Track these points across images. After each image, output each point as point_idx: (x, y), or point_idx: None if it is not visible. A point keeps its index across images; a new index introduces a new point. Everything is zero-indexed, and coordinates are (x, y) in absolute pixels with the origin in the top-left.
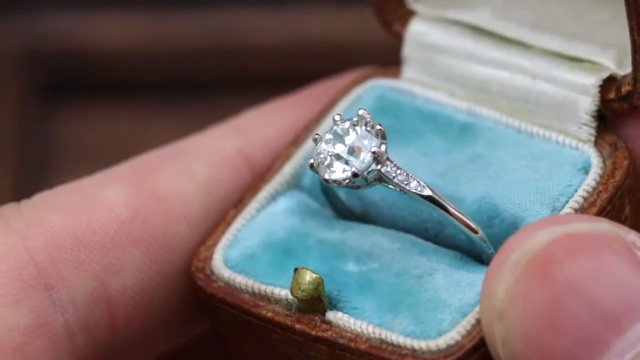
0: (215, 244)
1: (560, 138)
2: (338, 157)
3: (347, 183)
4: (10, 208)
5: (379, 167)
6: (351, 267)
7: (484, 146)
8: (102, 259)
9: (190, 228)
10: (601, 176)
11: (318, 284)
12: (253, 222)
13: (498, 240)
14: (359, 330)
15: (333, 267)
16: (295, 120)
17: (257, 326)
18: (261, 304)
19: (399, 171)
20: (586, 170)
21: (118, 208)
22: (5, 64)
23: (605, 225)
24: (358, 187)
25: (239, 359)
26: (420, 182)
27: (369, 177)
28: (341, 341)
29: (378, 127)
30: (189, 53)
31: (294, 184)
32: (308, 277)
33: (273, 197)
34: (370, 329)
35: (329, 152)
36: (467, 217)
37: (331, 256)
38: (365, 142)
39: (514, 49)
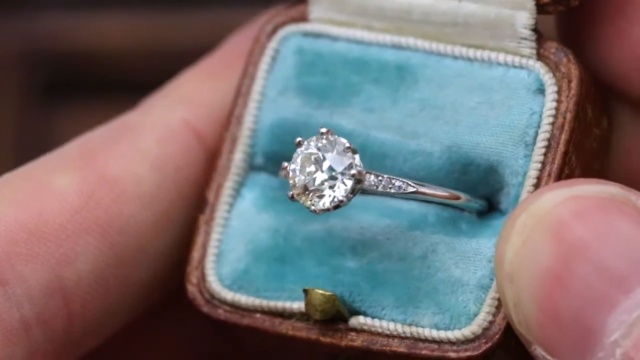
0: (201, 263)
1: (501, 58)
2: (316, 184)
3: (333, 209)
4: None
5: (360, 185)
6: (351, 262)
7: (427, 88)
8: (56, 250)
9: (143, 208)
10: (558, 93)
11: (333, 301)
12: (229, 227)
13: (477, 184)
14: (388, 331)
15: (333, 266)
16: (231, 81)
17: (277, 338)
18: (277, 321)
19: (379, 178)
20: (540, 90)
21: (70, 196)
22: (5, 64)
23: (614, 189)
24: (340, 206)
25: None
26: (403, 180)
27: (353, 197)
28: (374, 347)
29: (345, 143)
30: (188, 53)
31: (248, 167)
32: (321, 297)
33: (237, 192)
34: (400, 328)
35: (306, 181)
36: (446, 191)
37: (325, 254)
38: (341, 165)
39: None
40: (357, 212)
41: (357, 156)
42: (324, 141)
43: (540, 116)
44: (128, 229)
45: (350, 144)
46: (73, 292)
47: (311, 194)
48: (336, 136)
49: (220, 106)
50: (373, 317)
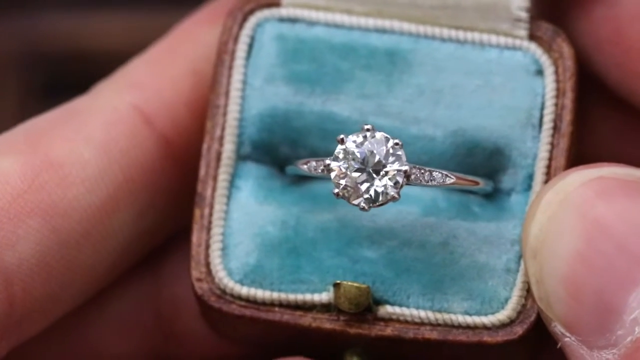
0: (206, 258)
1: (494, 39)
2: (364, 181)
3: (383, 204)
4: None
5: (409, 180)
6: (369, 251)
7: (422, 72)
8: None
9: (88, 192)
10: (556, 73)
11: (367, 293)
12: (230, 220)
13: (484, 166)
14: (418, 319)
15: (351, 257)
16: (184, 66)
17: (293, 330)
18: (297, 314)
19: (422, 172)
20: (539, 70)
21: (12, 179)
22: (5, 64)
23: (639, 172)
24: (392, 201)
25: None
26: (441, 172)
27: (401, 190)
28: (406, 336)
29: (394, 139)
30: None
31: (237, 157)
32: (356, 290)
33: (231, 184)
34: (430, 315)
35: (353, 178)
36: (475, 178)
37: (342, 245)
38: (390, 161)
39: None
40: None
41: (403, 151)
42: (369, 137)
43: (543, 97)
44: (72, 213)
45: (398, 139)
46: (14, 276)
47: (358, 192)
48: (380, 132)
49: (169, 91)
50: (400, 306)
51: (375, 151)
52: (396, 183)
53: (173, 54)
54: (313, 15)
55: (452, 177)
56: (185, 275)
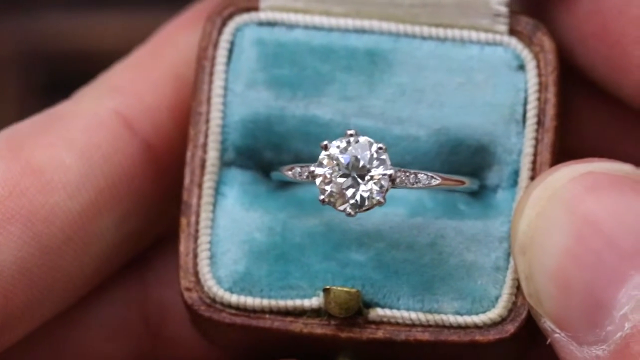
0: (194, 267)
1: (474, 35)
2: (349, 186)
3: (369, 209)
4: None
5: (394, 183)
6: (357, 254)
7: (404, 72)
8: None
9: (69, 198)
10: (538, 67)
11: (357, 297)
12: (217, 228)
13: (468, 163)
14: (409, 321)
15: (339, 260)
16: (166, 71)
17: (287, 335)
18: (288, 320)
19: (407, 174)
20: (521, 65)
21: None
22: (5, 64)
23: (629, 167)
24: (378, 206)
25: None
26: (426, 174)
27: (386, 194)
28: (398, 338)
29: (378, 143)
30: None
31: (221, 163)
32: (346, 295)
33: (216, 191)
34: (421, 316)
35: (338, 184)
36: (460, 178)
37: (330, 249)
38: (375, 166)
39: None
40: None
41: (387, 155)
42: (352, 142)
43: (526, 92)
44: (53, 219)
45: (382, 143)
46: None
47: (344, 197)
48: (363, 136)
49: (151, 96)
50: (390, 308)
51: (359, 156)
52: (381, 187)
53: (155, 58)
54: (292, 18)
55: (437, 178)
56: (172, 279)
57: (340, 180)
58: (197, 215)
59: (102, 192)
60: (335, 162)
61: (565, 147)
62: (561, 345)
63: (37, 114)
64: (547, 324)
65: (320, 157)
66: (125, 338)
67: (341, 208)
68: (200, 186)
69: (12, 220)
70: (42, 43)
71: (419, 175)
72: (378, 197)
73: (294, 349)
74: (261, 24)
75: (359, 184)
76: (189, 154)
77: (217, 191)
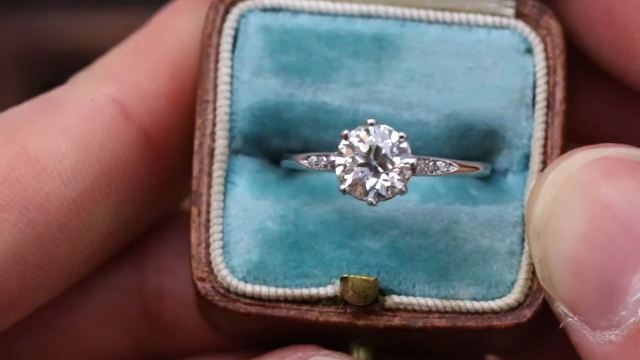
0: (207, 257)
1: (481, 19)
2: (370, 176)
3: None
4: None
5: (415, 172)
6: (371, 241)
7: (412, 57)
8: None
9: (64, 185)
10: (546, 51)
11: (376, 286)
12: (228, 217)
13: (477, 147)
14: (426, 307)
15: (354, 248)
16: (163, 58)
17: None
18: (304, 309)
19: (426, 162)
20: (528, 49)
21: None
22: (5, 64)
23: None
24: (399, 195)
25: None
26: (444, 161)
27: (408, 183)
28: (416, 325)
29: (399, 132)
30: None
31: (230, 151)
32: (364, 283)
33: (226, 179)
34: (438, 303)
35: (358, 173)
36: (475, 164)
37: (343, 237)
38: (396, 155)
39: None
40: None
41: (408, 143)
42: (373, 131)
43: (534, 76)
44: (48, 206)
45: (403, 132)
46: None
47: (365, 187)
48: (383, 125)
49: (148, 83)
50: (406, 295)
51: (380, 145)
52: (403, 176)
53: (151, 45)
54: (296, 3)
55: (455, 165)
56: (170, 266)
57: (361, 169)
58: (208, 204)
59: (98, 179)
60: (355, 151)
61: (570, 131)
62: (574, 330)
63: (32, 100)
64: (560, 308)
65: (340, 146)
66: (122, 325)
67: (362, 198)
68: (209, 175)
69: (7, 207)
70: (42, 43)
71: (438, 163)
72: (400, 186)
73: (307, 337)
74: (265, 10)
75: (379, 173)
76: (196, 142)
77: (227, 180)
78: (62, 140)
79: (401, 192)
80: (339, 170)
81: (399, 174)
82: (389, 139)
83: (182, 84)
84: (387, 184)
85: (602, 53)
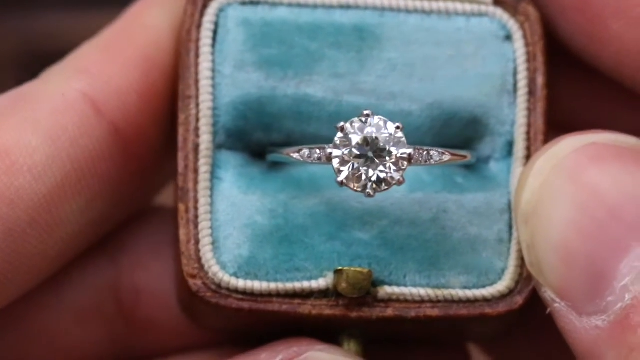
0: (197, 253)
1: (459, 7)
2: (366, 167)
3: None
4: None
5: (411, 162)
6: (361, 233)
7: (392, 47)
8: None
9: (35, 180)
10: (525, 37)
11: (370, 277)
12: (217, 213)
13: (458, 136)
14: (418, 297)
15: (345, 241)
16: (135, 53)
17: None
18: (296, 303)
19: (420, 152)
20: (508, 36)
21: None
22: (5, 63)
23: (632, 139)
24: (397, 185)
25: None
26: (437, 150)
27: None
28: (409, 315)
29: (395, 123)
30: None
31: (214, 146)
32: (359, 275)
33: (212, 175)
34: (430, 292)
35: (355, 166)
36: (464, 152)
37: (333, 229)
38: (392, 145)
39: None
40: None
41: (402, 133)
42: (369, 122)
43: (515, 62)
44: (18, 201)
45: (398, 123)
46: None
47: (361, 178)
48: (379, 116)
49: (119, 78)
50: (398, 285)
51: (377, 136)
52: (399, 166)
53: (123, 39)
54: None
55: (447, 154)
56: (145, 262)
57: (358, 161)
58: (196, 200)
59: (69, 175)
60: (351, 143)
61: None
62: (561, 315)
63: (3, 94)
64: (548, 293)
65: (336, 138)
66: (97, 321)
67: (359, 189)
68: (196, 171)
69: None
70: (42, 43)
71: (431, 152)
72: (398, 177)
73: (300, 330)
74: (244, 3)
75: (376, 164)
76: (180, 138)
77: (213, 175)
78: (32, 135)
79: (399, 183)
80: (335, 162)
81: (395, 165)
82: (384, 129)
83: (153, 80)
84: (383, 175)
85: (575, 40)
